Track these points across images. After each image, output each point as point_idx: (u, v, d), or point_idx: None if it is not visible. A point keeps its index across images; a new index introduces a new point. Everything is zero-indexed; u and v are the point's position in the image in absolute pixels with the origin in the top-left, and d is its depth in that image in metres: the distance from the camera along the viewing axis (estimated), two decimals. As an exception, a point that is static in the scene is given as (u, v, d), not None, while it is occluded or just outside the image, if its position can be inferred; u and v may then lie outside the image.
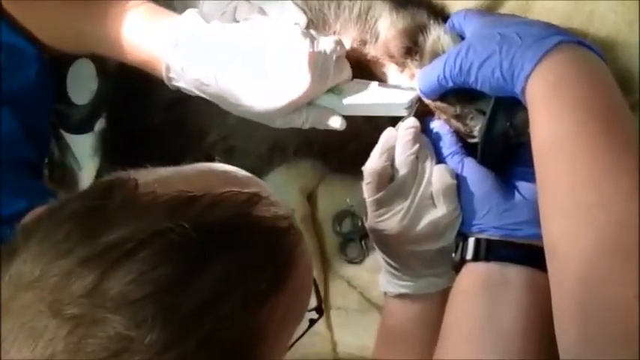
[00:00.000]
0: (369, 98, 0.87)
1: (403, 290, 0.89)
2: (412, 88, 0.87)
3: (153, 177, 0.65)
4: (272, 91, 0.84)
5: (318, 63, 0.83)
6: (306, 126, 0.88)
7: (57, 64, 1.06)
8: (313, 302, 0.76)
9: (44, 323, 0.56)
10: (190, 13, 0.89)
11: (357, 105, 0.86)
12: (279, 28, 0.86)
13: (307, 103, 0.86)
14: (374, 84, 0.88)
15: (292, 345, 0.71)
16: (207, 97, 0.89)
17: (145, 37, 0.90)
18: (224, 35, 0.87)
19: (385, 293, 0.92)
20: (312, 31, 0.86)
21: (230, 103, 0.87)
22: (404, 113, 0.86)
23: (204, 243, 0.60)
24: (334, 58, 0.84)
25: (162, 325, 0.56)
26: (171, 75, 0.89)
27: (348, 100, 0.86)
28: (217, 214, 0.62)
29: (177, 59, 0.87)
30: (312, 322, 0.78)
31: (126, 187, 0.63)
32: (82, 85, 1.13)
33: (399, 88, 0.89)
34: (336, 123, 0.88)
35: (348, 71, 0.88)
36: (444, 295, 0.86)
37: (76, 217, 0.61)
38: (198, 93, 0.89)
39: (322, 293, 1.04)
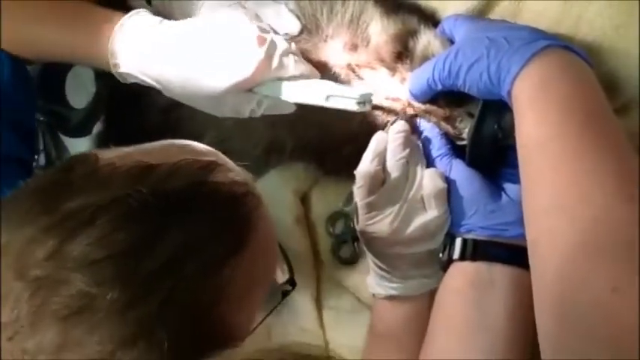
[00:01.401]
0: (316, 87, 0.87)
1: (392, 292, 0.90)
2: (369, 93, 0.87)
3: (114, 153, 0.67)
4: (220, 72, 0.84)
5: (266, 46, 0.84)
6: (258, 113, 0.88)
7: (56, 68, 1.08)
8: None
9: (9, 287, 0.58)
10: (139, 9, 0.91)
11: (302, 92, 0.86)
12: (227, 15, 0.87)
13: (254, 88, 0.86)
14: (329, 81, 0.89)
15: (266, 317, 0.73)
16: (152, 83, 0.89)
17: (95, 31, 0.90)
18: (170, 23, 0.89)
19: (374, 295, 0.93)
20: (261, 24, 0.88)
21: (175, 87, 0.88)
22: (355, 107, 0.85)
23: (162, 208, 0.62)
24: (282, 47, 0.86)
25: (123, 285, 0.58)
26: (116, 61, 0.89)
27: (292, 86, 0.86)
28: (175, 181, 0.64)
29: (120, 43, 0.88)
30: (285, 293, 0.79)
31: (87, 160, 0.65)
32: (81, 89, 1.14)
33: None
34: (289, 108, 0.88)
35: (303, 69, 0.88)
36: (432, 296, 0.87)
37: (39, 190, 0.63)
38: (143, 79, 0.89)
39: (315, 294, 1.06)
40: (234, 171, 0.70)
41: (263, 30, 0.86)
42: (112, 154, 0.67)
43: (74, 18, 0.92)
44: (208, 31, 0.87)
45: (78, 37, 0.92)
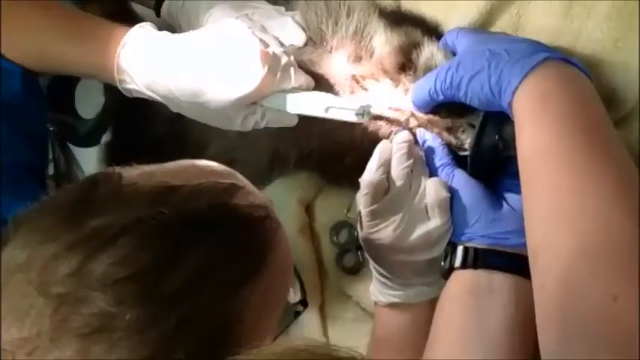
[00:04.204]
0: (317, 99, 0.90)
1: (394, 299, 0.91)
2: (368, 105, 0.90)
3: (136, 172, 0.69)
4: (225, 86, 0.86)
5: (268, 60, 0.86)
6: (261, 125, 0.90)
7: (65, 79, 1.10)
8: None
9: (31, 302, 0.59)
10: (143, 23, 0.92)
11: (304, 104, 0.89)
12: (230, 29, 0.89)
13: (258, 102, 0.89)
14: (329, 93, 0.91)
15: (277, 336, 0.74)
16: (159, 99, 0.91)
17: (101, 45, 0.92)
18: (175, 38, 0.90)
19: (376, 303, 0.94)
20: (260, 35, 0.90)
21: (182, 102, 0.89)
22: (353, 118, 0.88)
23: (184, 229, 0.63)
24: (283, 61, 0.88)
25: (142, 305, 0.59)
26: (122, 77, 0.91)
27: (294, 98, 0.89)
28: (196, 203, 0.66)
29: (126, 59, 0.90)
30: (297, 314, 0.80)
31: (110, 179, 0.67)
32: (90, 100, 1.16)
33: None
34: (291, 121, 0.91)
35: (302, 80, 0.90)
36: (433, 304, 0.87)
37: (63, 207, 0.65)
38: (149, 94, 0.91)
39: (319, 303, 1.06)
40: (253, 194, 0.72)
41: (265, 43, 0.88)
42: (134, 173, 0.68)
43: (80, 31, 0.94)
44: (212, 45, 0.88)
45: (83, 51, 0.93)
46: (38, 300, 0.59)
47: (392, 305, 0.92)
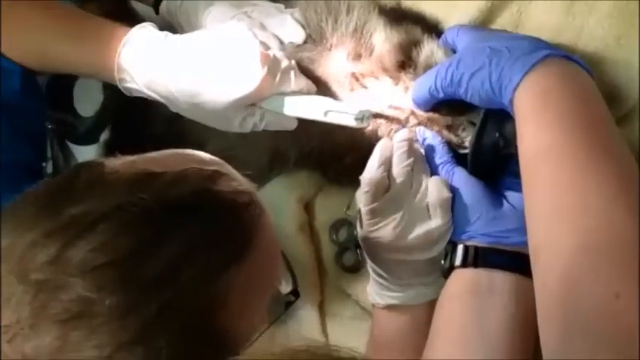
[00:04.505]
0: (316, 102, 0.89)
1: (392, 301, 0.91)
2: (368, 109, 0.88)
3: (119, 161, 0.69)
4: (224, 87, 0.86)
5: (268, 62, 0.86)
6: (260, 127, 0.90)
7: (64, 77, 1.10)
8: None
9: (11, 290, 0.59)
10: (145, 23, 0.92)
11: (303, 107, 0.89)
12: (230, 30, 0.89)
13: (258, 103, 0.88)
14: (328, 97, 0.91)
15: (269, 326, 0.73)
16: (159, 99, 0.91)
17: (101, 45, 0.92)
18: (176, 38, 0.90)
19: (373, 305, 0.94)
20: (260, 33, 0.90)
21: (181, 102, 0.89)
22: (353, 123, 0.87)
23: (165, 215, 0.63)
24: (283, 64, 0.87)
25: (123, 290, 0.60)
26: (122, 76, 0.91)
27: (293, 101, 0.89)
28: (179, 189, 0.66)
29: (126, 58, 0.90)
30: (289, 304, 0.80)
31: (92, 168, 0.67)
32: (88, 98, 1.16)
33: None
34: (290, 124, 0.91)
35: (303, 84, 0.90)
36: (432, 305, 0.87)
37: (43, 196, 0.65)
38: (149, 93, 0.91)
39: (318, 301, 1.06)
40: (237, 180, 0.72)
41: (265, 46, 0.88)
42: (117, 162, 0.68)
43: (80, 31, 0.94)
44: (213, 46, 0.88)
45: (84, 50, 0.93)
46: (18, 288, 0.59)
47: (390, 307, 0.91)
